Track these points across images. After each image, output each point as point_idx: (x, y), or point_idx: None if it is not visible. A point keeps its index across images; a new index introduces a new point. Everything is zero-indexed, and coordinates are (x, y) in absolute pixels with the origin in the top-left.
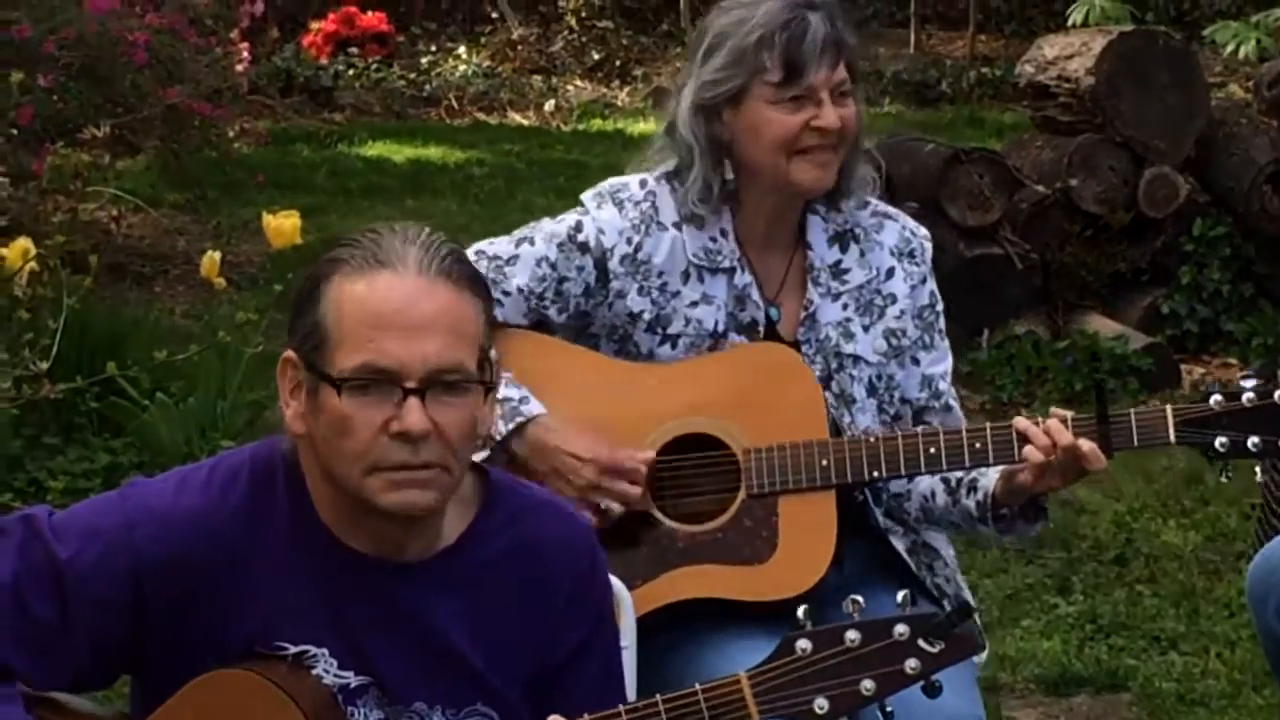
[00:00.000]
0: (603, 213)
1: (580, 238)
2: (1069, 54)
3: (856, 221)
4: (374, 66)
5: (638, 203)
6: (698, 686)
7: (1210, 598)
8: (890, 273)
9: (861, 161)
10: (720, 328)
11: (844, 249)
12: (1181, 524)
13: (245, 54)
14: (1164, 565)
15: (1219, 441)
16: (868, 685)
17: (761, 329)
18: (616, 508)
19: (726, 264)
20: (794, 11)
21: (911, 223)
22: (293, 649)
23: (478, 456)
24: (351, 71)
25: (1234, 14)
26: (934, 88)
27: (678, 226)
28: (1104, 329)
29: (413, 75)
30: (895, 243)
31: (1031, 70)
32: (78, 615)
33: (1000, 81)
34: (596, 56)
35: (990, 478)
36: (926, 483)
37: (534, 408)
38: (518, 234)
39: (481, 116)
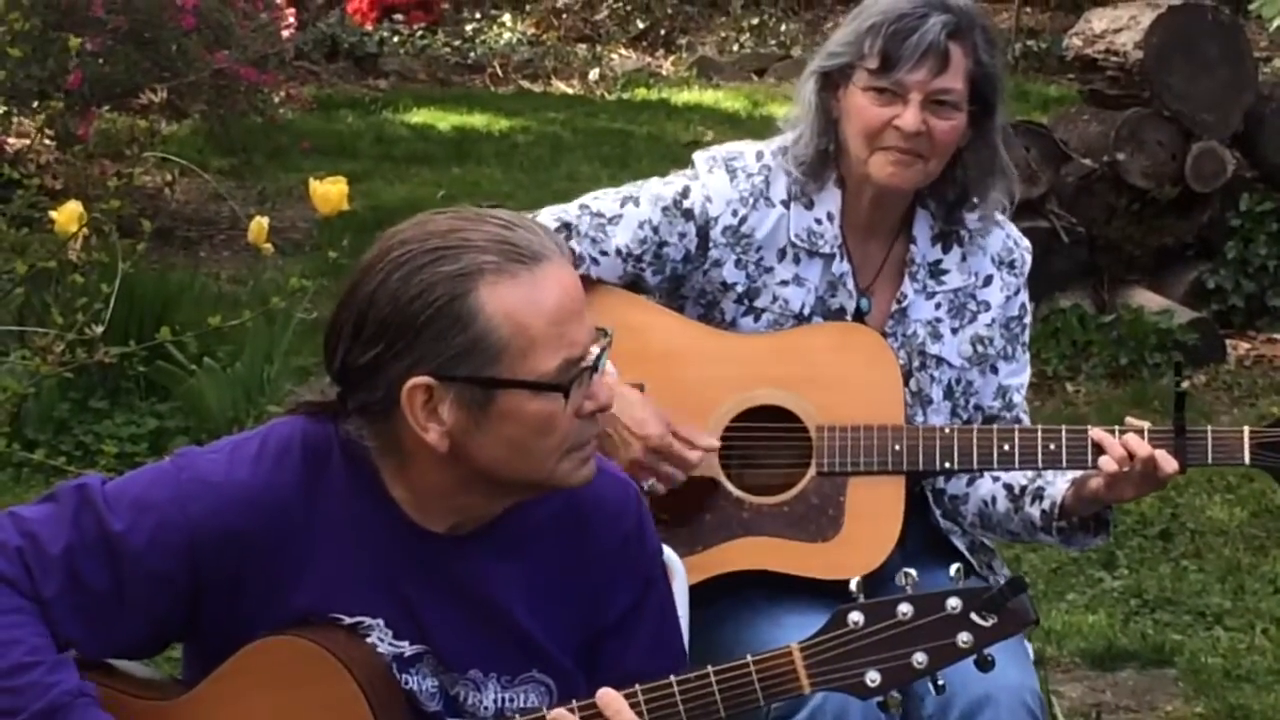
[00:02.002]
0: (713, 178)
1: (686, 204)
2: (1117, 28)
3: (963, 223)
4: (418, 33)
5: (750, 175)
6: (749, 658)
7: (1256, 573)
8: (988, 280)
9: (997, 183)
10: (807, 311)
11: (946, 249)
12: (1227, 499)
13: (291, 19)
14: (1209, 541)
15: None
16: (919, 658)
17: (849, 318)
18: (660, 488)
19: (826, 249)
20: (916, 7)
21: (1016, 232)
22: (348, 619)
23: None
24: (396, 39)
25: None
26: None
27: (785, 204)
28: (1149, 304)
29: (457, 43)
30: (998, 250)
31: (1080, 43)
32: (132, 588)
33: (1046, 54)
34: (641, 25)
35: (1059, 486)
36: (987, 488)
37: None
38: (624, 191)
39: (526, 84)
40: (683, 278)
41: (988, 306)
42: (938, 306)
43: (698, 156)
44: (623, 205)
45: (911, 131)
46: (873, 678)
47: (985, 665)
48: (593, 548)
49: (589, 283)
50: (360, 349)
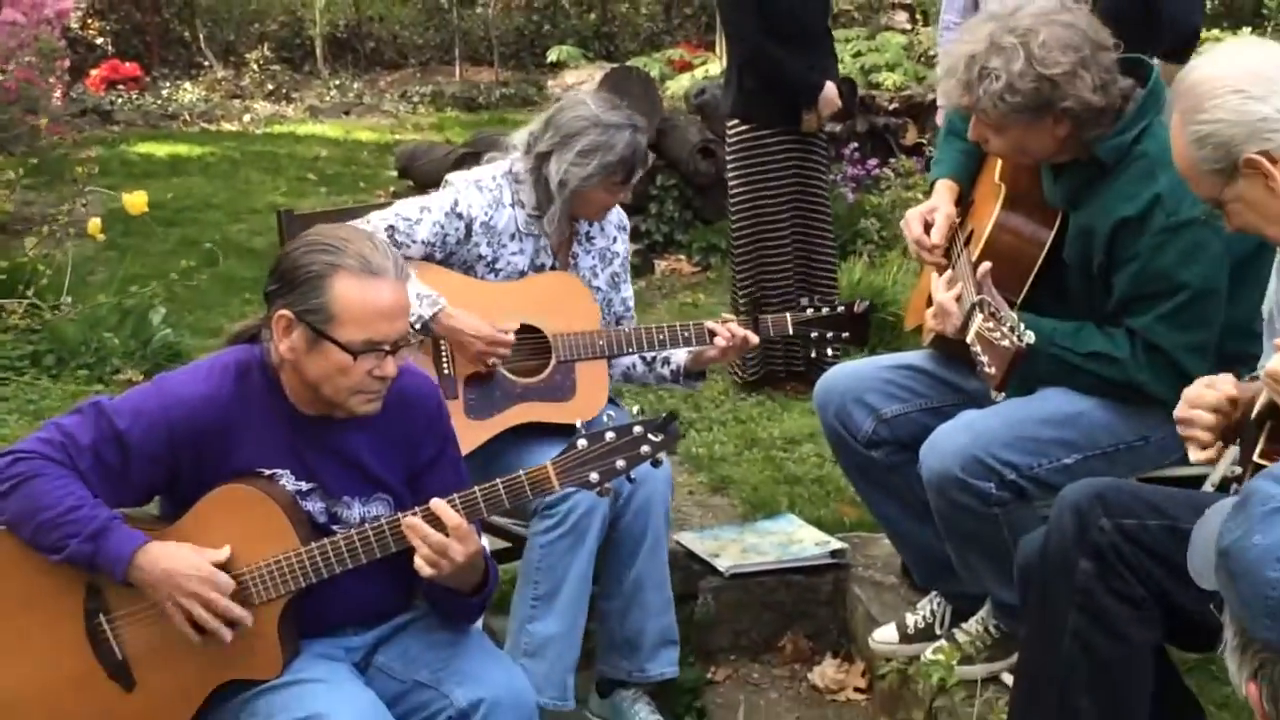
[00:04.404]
0: (472, 194)
1: (458, 210)
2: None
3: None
4: (134, 96)
5: (491, 190)
6: (521, 472)
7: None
8: (614, 240)
9: None
10: (526, 268)
11: (590, 223)
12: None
13: (59, 92)
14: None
15: (814, 334)
16: (620, 463)
17: (550, 270)
18: (497, 364)
19: (535, 232)
20: (635, 141)
21: (622, 210)
22: (267, 471)
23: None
24: (121, 100)
25: None
26: None
27: (512, 206)
28: None
29: (159, 101)
30: (616, 220)
31: None
32: (134, 463)
33: None
34: (270, 87)
35: (679, 355)
36: (630, 359)
37: (440, 300)
38: (420, 202)
39: (205, 125)
40: (453, 253)
41: (617, 255)
42: (592, 258)
43: (456, 179)
44: (421, 212)
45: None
46: (594, 477)
47: (656, 464)
48: (410, 420)
49: (409, 260)
50: (270, 282)
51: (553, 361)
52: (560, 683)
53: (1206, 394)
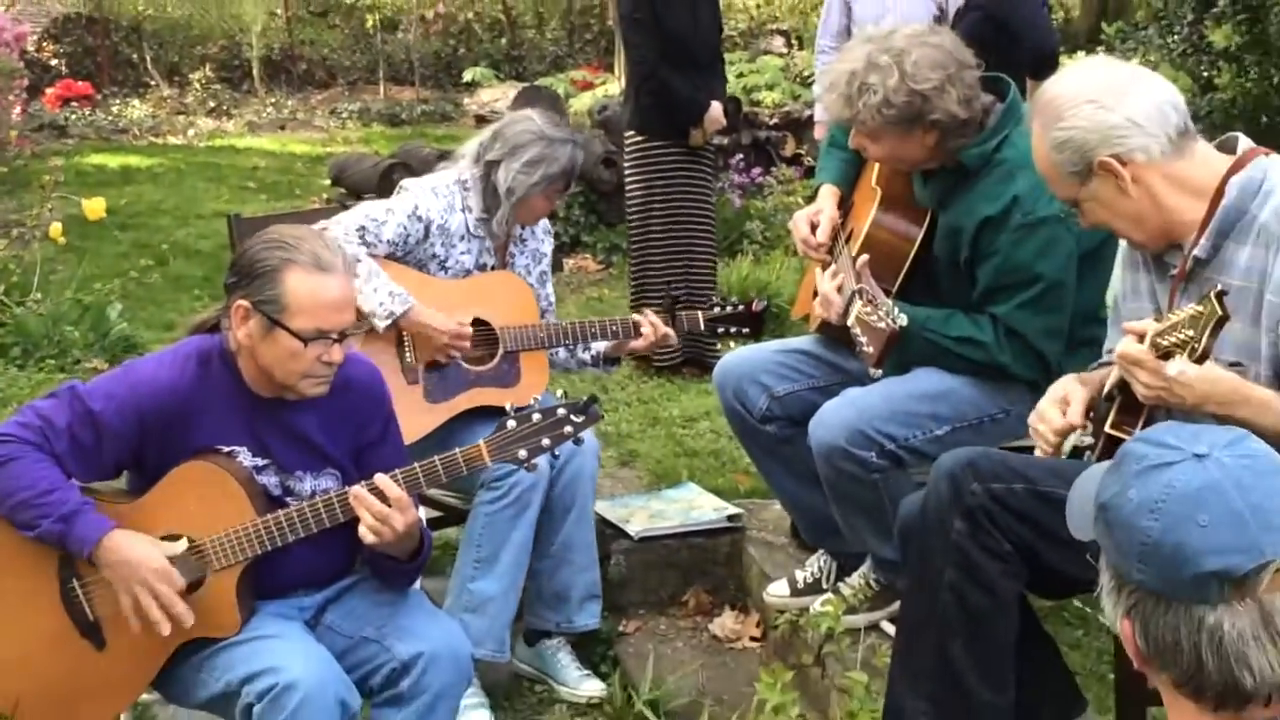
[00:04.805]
0: (428, 199)
1: (418, 213)
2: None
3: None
4: (87, 112)
5: (445, 196)
6: (457, 450)
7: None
8: (543, 241)
9: None
10: (473, 267)
11: (522, 228)
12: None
13: (19, 109)
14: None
15: (720, 330)
16: (545, 441)
17: (490, 269)
18: (459, 357)
19: (481, 234)
20: (575, 154)
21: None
22: (226, 449)
23: (381, 326)
24: (75, 116)
25: None
26: None
27: (462, 211)
28: None
29: (110, 117)
30: (543, 225)
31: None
32: (106, 443)
33: None
34: (211, 104)
35: (599, 344)
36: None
37: (411, 299)
38: (383, 205)
39: (153, 139)
40: (410, 251)
41: (544, 255)
42: (526, 258)
43: (412, 185)
44: (386, 214)
45: None
46: (523, 454)
47: (578, 442)
48: (357, 403)
49: (375, 257)
50: (229, 275)
51: (500, 351)
52: (499, 637)
53: (1054, 417)
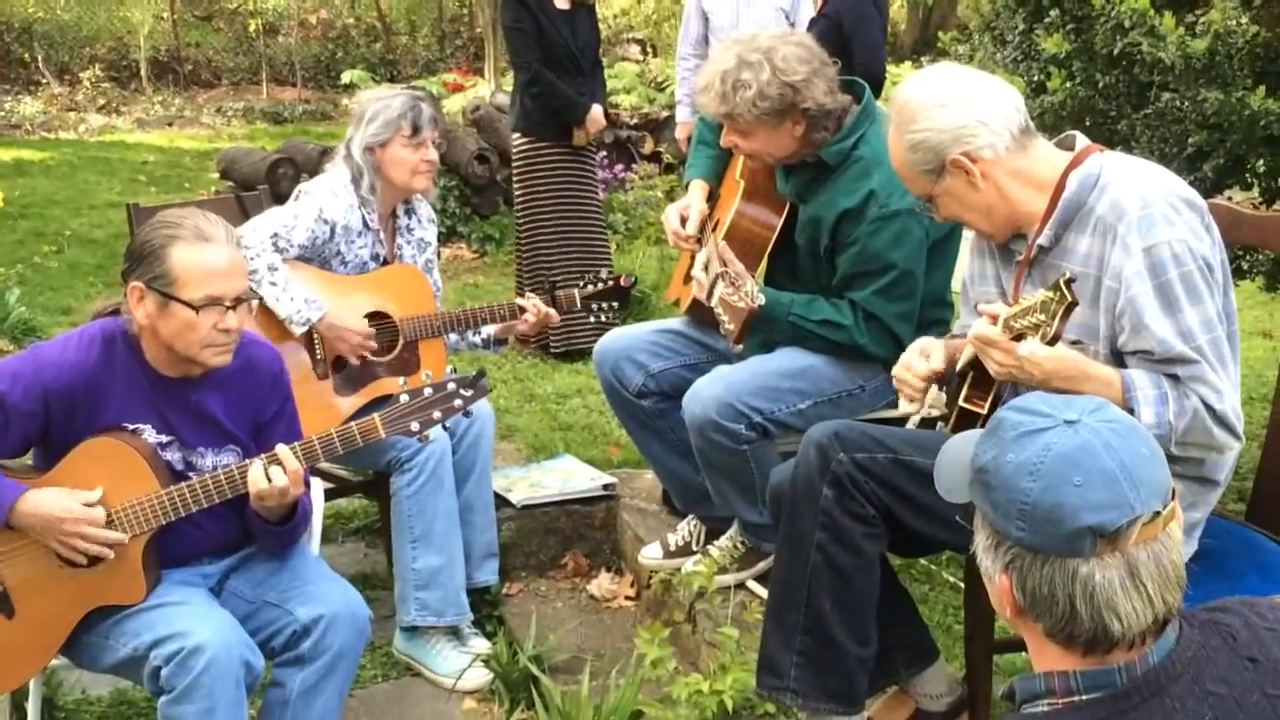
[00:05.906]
0: (330, 201)
1: (323, 216)
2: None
3: (415, 207)
4: None
5: (343, 196)
6: (353, 424)
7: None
8: (428, 230)
9: None
10: (367, 259)
11: (409, 218)
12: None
13: None
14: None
15: (595, 305)
16: (436, 414)
17: (383, 261)
18: (368, 355)
19: (374, 228)
20: (414, 102)
21: (426, 206)
22: (131, 426)
23: (298, 331)
24: None
25: None
26: None
27: (359, 209)
28: None
29: (3, 113)
30: (426, 214)
31: None
32: (14, 422)
33: None
34: (101, 102)
35: (489, 327)
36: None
37: (325, 307)
38: (290, 211)
39: (45, 134)
40: (319, 251)
41: (429, 244)
42: (413, 248)
43: (309, 188)
44: (294, 219)
45: (436, 162)
46: (415, 426)
47: (468, 415)
48: (256, 382)
49: (287, 260)
50: (124, 264)
51: (401, 342)
52: (456, 602)
53: (919, 364)
